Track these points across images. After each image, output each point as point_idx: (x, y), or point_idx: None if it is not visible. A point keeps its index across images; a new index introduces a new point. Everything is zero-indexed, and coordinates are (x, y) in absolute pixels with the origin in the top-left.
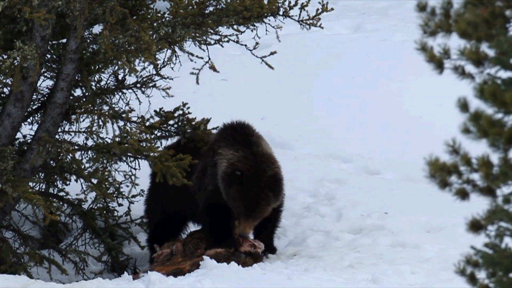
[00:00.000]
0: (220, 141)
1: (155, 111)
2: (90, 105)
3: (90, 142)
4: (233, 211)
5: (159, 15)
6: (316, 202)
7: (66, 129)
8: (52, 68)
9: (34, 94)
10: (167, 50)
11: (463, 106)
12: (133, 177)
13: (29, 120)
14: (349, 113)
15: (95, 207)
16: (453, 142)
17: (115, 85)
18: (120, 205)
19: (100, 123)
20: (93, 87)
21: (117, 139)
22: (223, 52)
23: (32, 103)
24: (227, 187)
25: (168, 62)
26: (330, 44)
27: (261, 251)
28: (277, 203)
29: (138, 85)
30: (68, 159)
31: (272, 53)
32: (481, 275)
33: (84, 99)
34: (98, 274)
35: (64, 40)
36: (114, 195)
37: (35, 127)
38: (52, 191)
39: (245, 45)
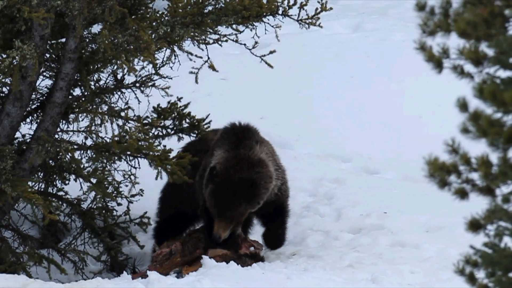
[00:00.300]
0: (218, 142)
1: (153, 107)
2: (89, 105)
3: (89, 142)
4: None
5: (158, 14)
6: (316, 201)
7: (65, 128)
8: (51, 67)
9: (33, 93)
10: (166, 50)
11: (463, 105)
12: (132, 177)
13: (28, 119)
14: (348, 112)
15: (94, 207)
16: (453, 141)
17: (114, 84)
18: (119, 204)
19: (98, 122)
20: (92, 87)
21: (116, 138)
22: (222, 52)
23: (31, 102)
24: (205, 187)
25: (167, 62)
26: (330, 43)
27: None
28: (251, 207)
29: (137, 85)
30: (67, 159)
31: (271, 53)
32: (480, 274)
33: (83, 99)
34: (97, 273)
35: (63, 40)
36: (114, 195)
37: (34, 126)
38: (51, 191)
39: (244, 45)
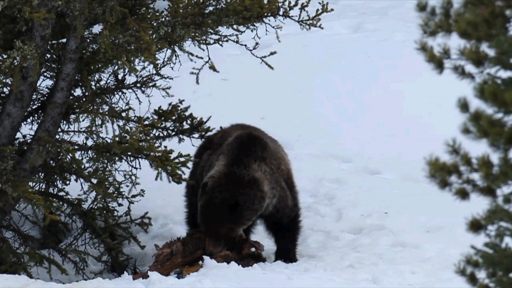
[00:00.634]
0: (223, 151)
1: (154, 110)
2: (90, 105)
3: (90, 142)
4: None
5: (159, 14)
6: (316, 202)
7: (66, 128)
8: (52, 67)
9: (34, 94)
10: (167, 50)
11: (463, 106)
12: (133, 177)
13: (29, 120)
14: (349, 113)
15: (95, 207)
16: (453, 142)
17: (115, 84)
18: (120, 205)
19: (99, 122)
20: (93, 87)
21: (117, 138)
22: (223, 52)
23: (32, 103)
24: (198, 200)
25: (168, 62)
26: (330, 44)
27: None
28: (237, 227)
29: (138, 85)
30: (68, 159)
31: (272, 53)
32: (481, 275)
33: (84, 99)
34: (98, 274)
35: (64, 40)
36: (114, 195)
37: (35, 127)
38: (52, 191)
39: (245, 45)
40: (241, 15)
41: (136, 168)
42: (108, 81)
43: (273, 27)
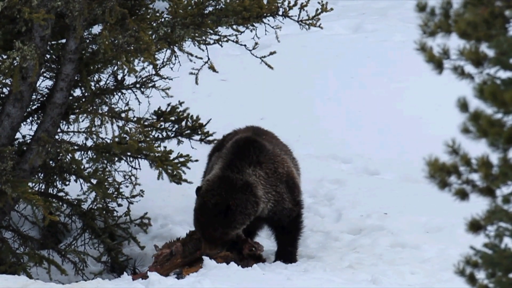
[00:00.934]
0: (222, 154)
1: (154, 111)
2: (89, 105)
3: (89, 142)
4: None
5: (159, 15)
6: (316, 202)
7: (66, 129)
8: (52, 68)
9: (34, 94)
10: (166, 50)
11: (463, 106)
12: (133, 178)
13: (28, 120)
14: (348, 113)
15: (95, 208)
16: (453, 142)
17: (114, 85)
18: (119, 205)
19: (99, 122)
20: (93, 87)
21: (116, 139)
22: (222, 52)
23: (31, 103)
24: (195, 203)
25: (168, 62)
26: (330, 44)
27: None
28: (230, 231)
29: (138, 85)
30: (67, 159)
31: (271, 53)
32: (481, 275)
33: (83, 99)
34: (98, 274)
35: (64, 40)
36: (114, 195)
37: (35, 127)
38: (51, 192)
39: (245, 45)
40: (241, 15)
41: (135, 169)
42: (108, 81)
43: (273, 27)
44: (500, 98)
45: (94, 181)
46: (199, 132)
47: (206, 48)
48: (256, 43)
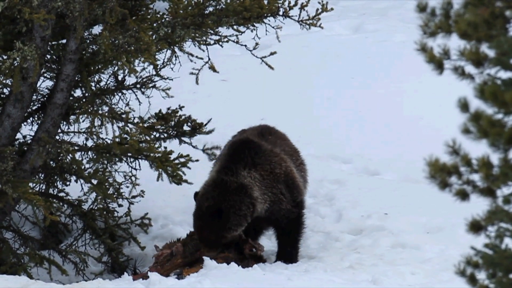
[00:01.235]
0: (221, 155)
1: (155, 113)
2: (89, 106)
3: (90, 143)
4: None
5: (159, 15)
6: (316, 202)
7: (66, 129)
8: (52, 68)
9: (34, 94)
10: (166, 51)
11: (463, 106)
12: (133, 178)
13: (29, 120)
14: (349, 113)
15: (95, 208)
16: (453, 142)
17: (114, 85)
18: (120, 205)
19: (99, 123)
20: (93, 88)
21: (117, 139)
22: (223, 53)
23: (32, 103)
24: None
25: (168, 63)
26: (330, 44)
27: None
28: (226, 233)
29: (138, 86)
30: (68, 160)
31: (272, 54)
32: (481, 275)
33: (84, 100)
34: (98, 274)
35: (64, 41)
36: (114, 196)
37: (35, 127)
38: (52, 192)
39: (245, 46)
40: (241, 15)
41: (136, 169)
42: (108, 82)
43: (273, 27)
44: (500, 99)
45: (94, 182)
46: (199, 132)
47: (207, 49)
48: (257, 43)
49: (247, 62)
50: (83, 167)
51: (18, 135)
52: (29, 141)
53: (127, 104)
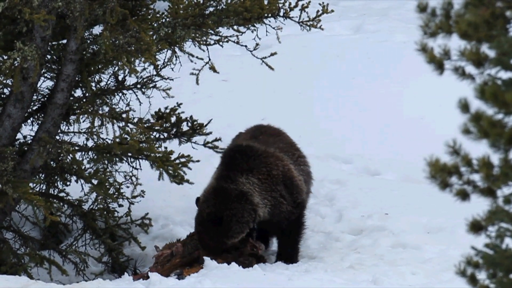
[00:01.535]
0: (220, 162)
1: (155, 112)
2: (90, 106)
3: (90, 143)
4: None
5: (159, 15)
6: (317, 203)
7: (66, 129)
8: (52, 68)
9: (34, 94)
10: (167, 51)
11: (464, 106)
12: (133, 178)
13: (29, 120)
14: (349, 114)
15: (96, 208)
16: (454, 143)
17: (115, 85)
18: (120, 206)
19: (99, 123)
20: (93, 88)
21: (117, 139)
22: (223, 53)
23: (32, 103)
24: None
25: (168, 63)
26: (331, 45)
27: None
28: (226, 240)
29: (138, 86)
30: (68, 160)
31: (272, 54)
32: (482, 276)
33: (84, 100)
34: (99, 275)
35: (65, 41)
36: (115, 196)
37: (36, 127)
38: (52, 192)
39: (246, 46)
40: (242, 16)
41: (136, 169)
42: (109, 82)
43: (274, 28)
44: (501, 99)
45: (95, 182)
46: (200, 133)
47: (207, 49)
48: (257, 44)
49: (247, 62)
50: (83, 167)
51: (19, 135)
52: (29, 141)
53: (128, 104)
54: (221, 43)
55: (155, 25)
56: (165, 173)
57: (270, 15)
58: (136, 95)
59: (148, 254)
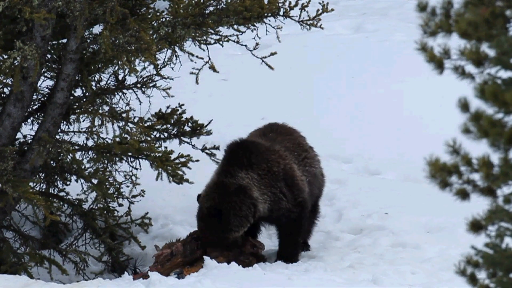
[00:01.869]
0: (222, 158)
1: (155, 113)
2: (90, 105)
3: (90, 142)
4: None
5: (159, 15)
6: None
7: (66, 129)
8: (52, 68)
9: (34, 94)
10: (167, 50)
11: (464, 106)
12: (133, 177)
13: (29, 120)
14: (349, 113)
15: (96, 207)
16: (454, 142)
17: (115, 85)
18: (120, 205)
19: (99, 122)
20: (93, 87)
21: (117, 139)
22: (223, 52)
23: (32, 103)
24: None
25: (168, 62)
26: (331, 44)
27: (261, 251)
28: (227, 234)
29: (138, 85)
30: (68, 159)
31: (272, 54)
32: (482, 275)
33: (84, 99)
34: (99, 274)
35: (65, 40)
36: (115, 195)
37: (36, 127)
38: (52, 191)
39: (246, 45)
40: (242, 15)
41: (136, 169)
42: (109, 81)
43: (274, 27)
44: (501, 98)
45: (95, 181)
46: (200, 132)
47: (207, 48)
48: (257, 43)
49: (247, 61)
50: (83, 166)
51: (19, 135)
52: (29, 141)
53: (128, 104)
54: (221, 42)
55: (155, 24)
56: (165, 173)
57: (270, 14)
58: (136, 95)
59: (148, 253)
